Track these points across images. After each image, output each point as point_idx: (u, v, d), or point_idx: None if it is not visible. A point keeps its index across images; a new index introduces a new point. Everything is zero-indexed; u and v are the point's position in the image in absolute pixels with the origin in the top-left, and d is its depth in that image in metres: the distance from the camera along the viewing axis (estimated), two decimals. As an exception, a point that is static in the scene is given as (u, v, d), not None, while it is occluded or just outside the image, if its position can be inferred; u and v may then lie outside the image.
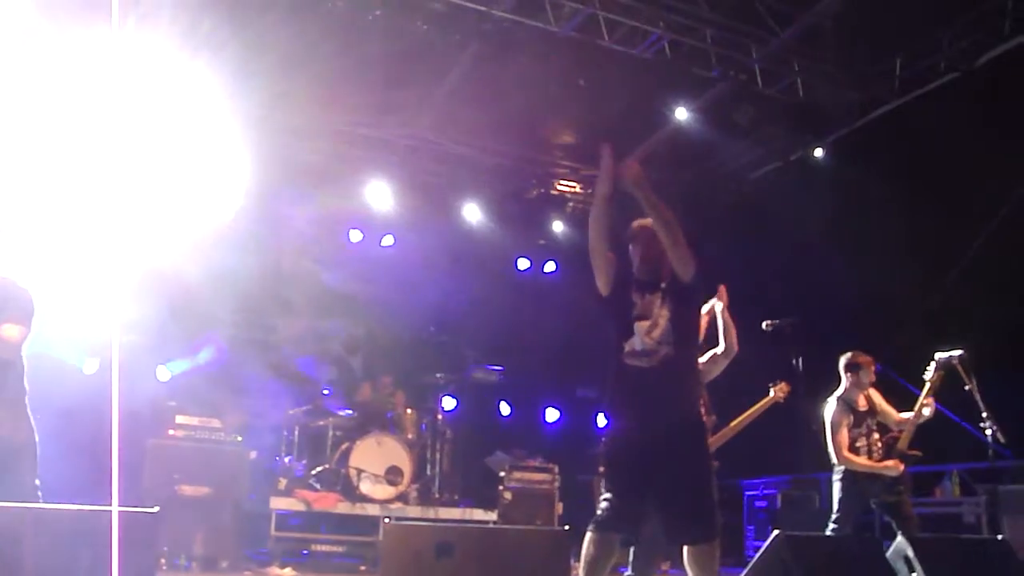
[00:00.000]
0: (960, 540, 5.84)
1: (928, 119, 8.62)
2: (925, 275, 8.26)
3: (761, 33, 8.51)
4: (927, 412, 6.07)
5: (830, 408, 6.22)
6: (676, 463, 4.13)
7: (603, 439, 4.39)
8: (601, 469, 5.03)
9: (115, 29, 7.49)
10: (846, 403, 6.20)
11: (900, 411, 6.21)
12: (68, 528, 3.27)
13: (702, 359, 5.39)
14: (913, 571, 4.29)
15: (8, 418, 4.42)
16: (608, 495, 4.18)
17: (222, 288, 11.01)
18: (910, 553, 4.36)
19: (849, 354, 6.31)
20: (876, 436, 6.16)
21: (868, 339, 7.15)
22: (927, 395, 6.06)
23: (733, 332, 5.28)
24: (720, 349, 5.39)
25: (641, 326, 4.27)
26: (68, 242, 6.06)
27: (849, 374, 6.25)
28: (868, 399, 6.26)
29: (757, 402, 6.25)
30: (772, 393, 6.23)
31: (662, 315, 4.29)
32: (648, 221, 4.43)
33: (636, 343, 4.25)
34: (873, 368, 6.27)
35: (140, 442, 7.70)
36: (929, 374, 6.10)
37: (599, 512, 4.18)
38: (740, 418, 6.07)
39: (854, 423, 6.15)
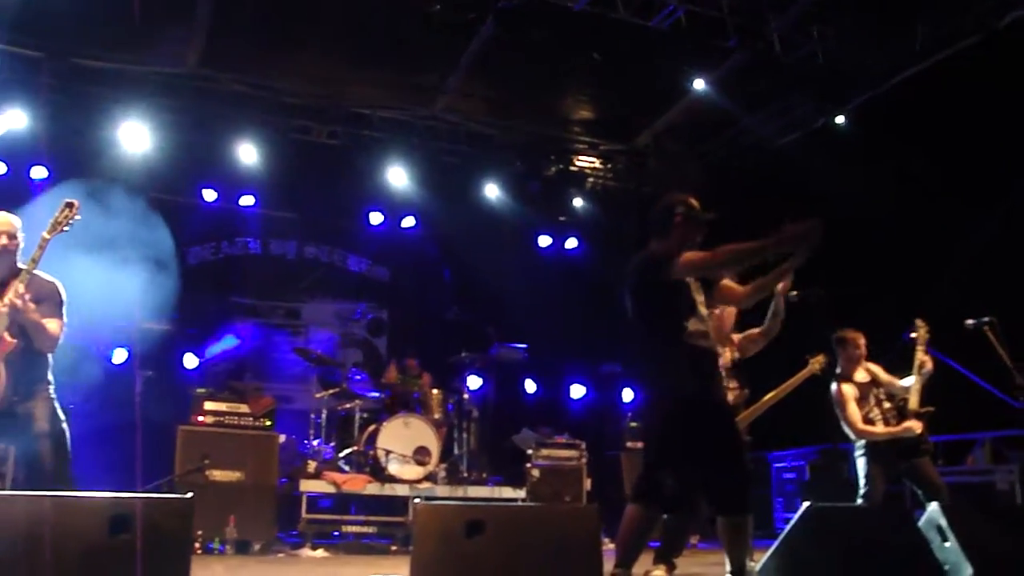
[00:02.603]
0: (993, 508, 5.81)
1: (953, 82, 8.49)
2: (953, 241, 8.16)
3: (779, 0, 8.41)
4: (927, 369, 6.09)
5: (833, 388, 6.26)
6: (718, 438, 4.22)
7: (658, 413, 4.39)
8: (640, 443, 5.12)
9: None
10: (845, 379, 6.25)
11: (902, 376, 6.23)
12: (103, 516, 3.30)
13: (738, 336, 5.51)
14: (946, 540, 4.26)
15: (42, 411, 4.49)
16: (662, 469, 4.26)
17: (247, 274, 11.13)
18: (943, 522, 4.32)
19: (837, 332, 6.35)
20: (888, 404, 6.17)
21: (895, 307, 7.09)
22: (921, 352, 6.09)
23: (781, 318, 5.30)
24: (763, 328, 5.42)
25: (703, 310, 4.41)
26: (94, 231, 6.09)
27: (839, 350, 6.30)
28: (868, 371, 6.29)
29: (786, 373, 6.22)
30: (809, 365, 6.19)
31: (703, 303, 4.45)
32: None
33: (700, 324, 4.35)
34: (861, 341, 6.30)
35: (171, 429, 7.79)
36: (915, 332, 6.15)
37: (652, 486, 4.26)
38: (776, 390, 6.03)
39: (860, 396, 6.18)
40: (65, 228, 4.56)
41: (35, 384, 4.54)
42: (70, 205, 4.58)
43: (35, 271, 4.50)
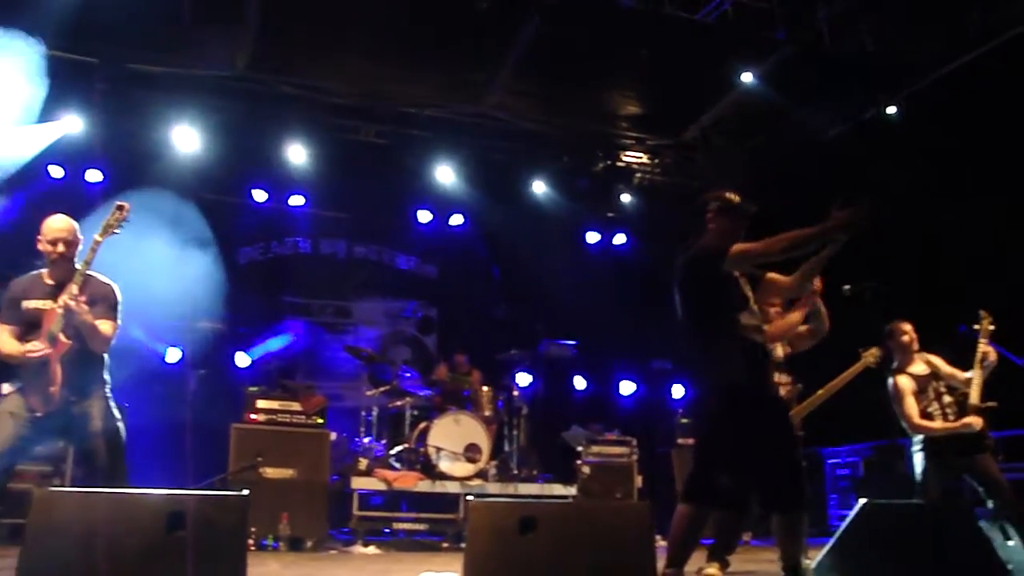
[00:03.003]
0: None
1: (1007, 69, 8.29)
2: (1010, 234, 7.97)
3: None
4: (989, 360, 5.98)
5: (889, 383, 6.16)
6: (770, 435, 4.20)
7: (710, 408, 4.35)
8: (691, 439, 5.11)
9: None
10: (900, 371, 6.14)
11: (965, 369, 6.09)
12: (160, 513, 3.35)
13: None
14: (1010, 539, 4.18)
15: (98, 410, 4.56)
16: (714, 466, 4.26)
17: (297, 274, 11.26)
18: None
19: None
20: (948, 399, 6.02)
21: (949, 301, 6.95)
22: (984, 344, 5.97)
23: (825, 316, 5.25)
24: (808, 329, 5.37)
25: (754, 306, 4.39)
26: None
27: (889, 343, 6.20)
28: (929, 363, 6.15)
29: (839, 368, 6.13)
30: (863, 358, 6.09)
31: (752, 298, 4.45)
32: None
33: (752, 319, 4.34)
34: (906, 328, 6.19)
35: (224, 427, 7.89)
36: (979, 324, 6.03)
37: (704, 484, 4.26)
38: (829, 385, 5.94)
39: (918, 390, 6.05)
40: (116, 230, 4.63)
41: (91, 384, 4.62)
42: (120, 208, 4.66)
43: (92, 273, 4.59)
